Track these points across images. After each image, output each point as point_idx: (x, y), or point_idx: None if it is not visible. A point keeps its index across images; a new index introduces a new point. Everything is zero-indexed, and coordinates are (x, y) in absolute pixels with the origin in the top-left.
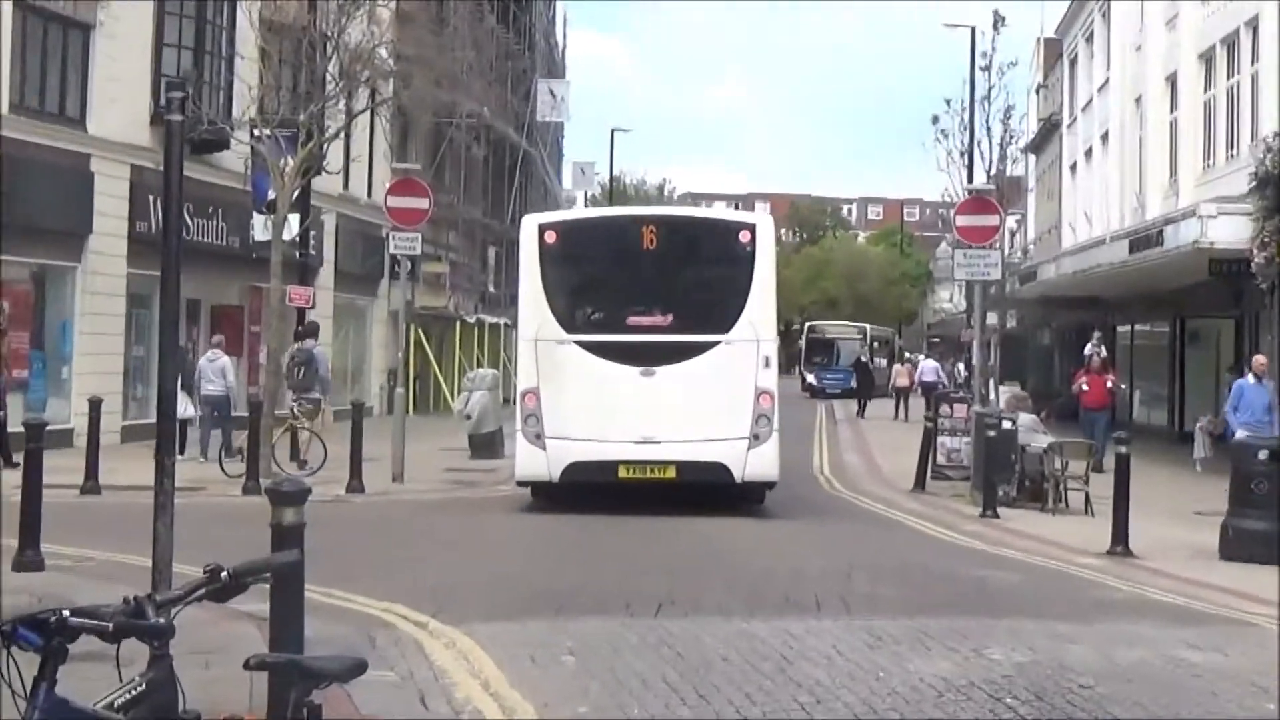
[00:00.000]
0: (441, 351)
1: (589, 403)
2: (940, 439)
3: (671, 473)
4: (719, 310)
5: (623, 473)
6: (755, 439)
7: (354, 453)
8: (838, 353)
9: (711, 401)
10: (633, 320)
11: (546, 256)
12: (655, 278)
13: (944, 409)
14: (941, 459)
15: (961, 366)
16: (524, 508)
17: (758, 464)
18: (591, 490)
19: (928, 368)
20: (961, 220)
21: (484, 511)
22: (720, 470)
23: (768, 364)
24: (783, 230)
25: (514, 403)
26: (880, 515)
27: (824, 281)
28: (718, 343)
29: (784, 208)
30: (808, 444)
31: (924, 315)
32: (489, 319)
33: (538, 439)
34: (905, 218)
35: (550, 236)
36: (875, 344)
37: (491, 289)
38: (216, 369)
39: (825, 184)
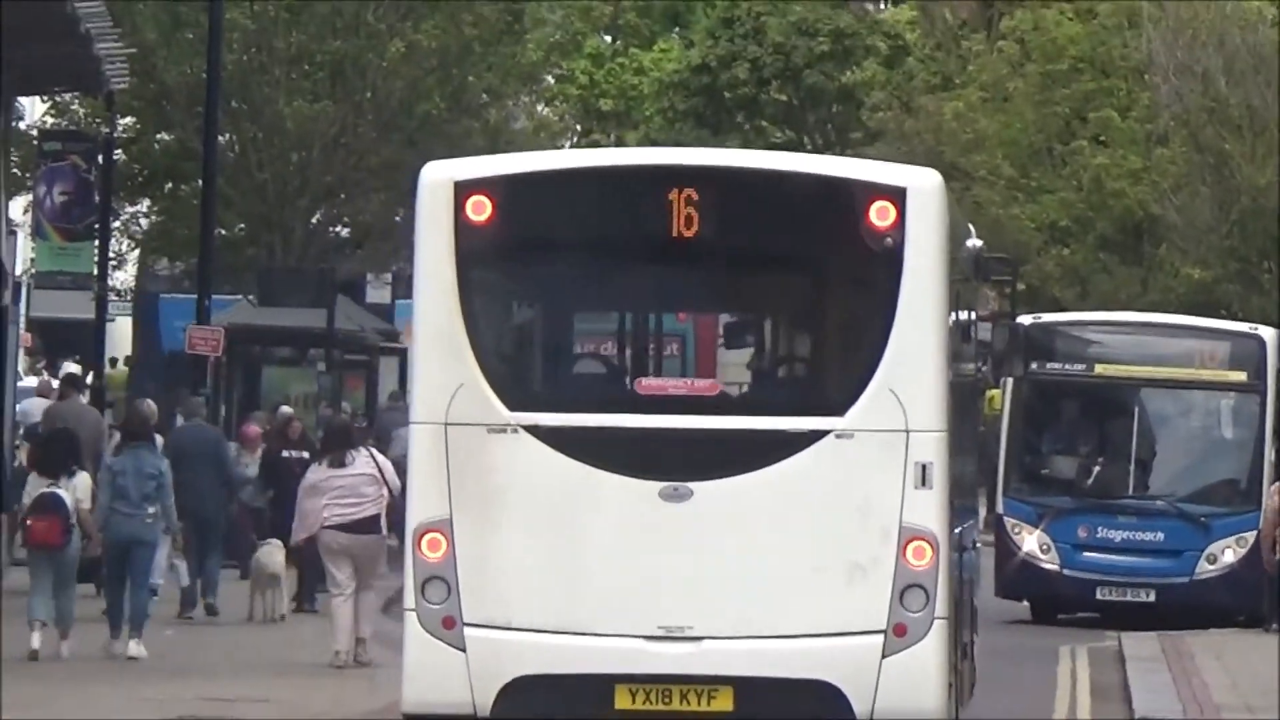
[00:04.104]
0: None
1: (555, 556)
2: None
3: (725, 701)
4: (826, 367)
5: (624, 700)
6: (899, 634)
7: None
8: (1146, 440)
9: (807, 555)
10: (648, 386)
11: (473, 250)
12: (696, 297)
13: None
14: None
15: None
16: None
17: (904, 686)
18: None
19: None
20: None
21: None
22: (825, 698)
23: (926, 479)
24: None
25: None
26: None
27: (1098, 152)
28: (822, 434)
29: None
30: None
31: None
32: None
33: (449, 628)
34: None
35: (480, 208)
36: None
37: None
38: None
39: None
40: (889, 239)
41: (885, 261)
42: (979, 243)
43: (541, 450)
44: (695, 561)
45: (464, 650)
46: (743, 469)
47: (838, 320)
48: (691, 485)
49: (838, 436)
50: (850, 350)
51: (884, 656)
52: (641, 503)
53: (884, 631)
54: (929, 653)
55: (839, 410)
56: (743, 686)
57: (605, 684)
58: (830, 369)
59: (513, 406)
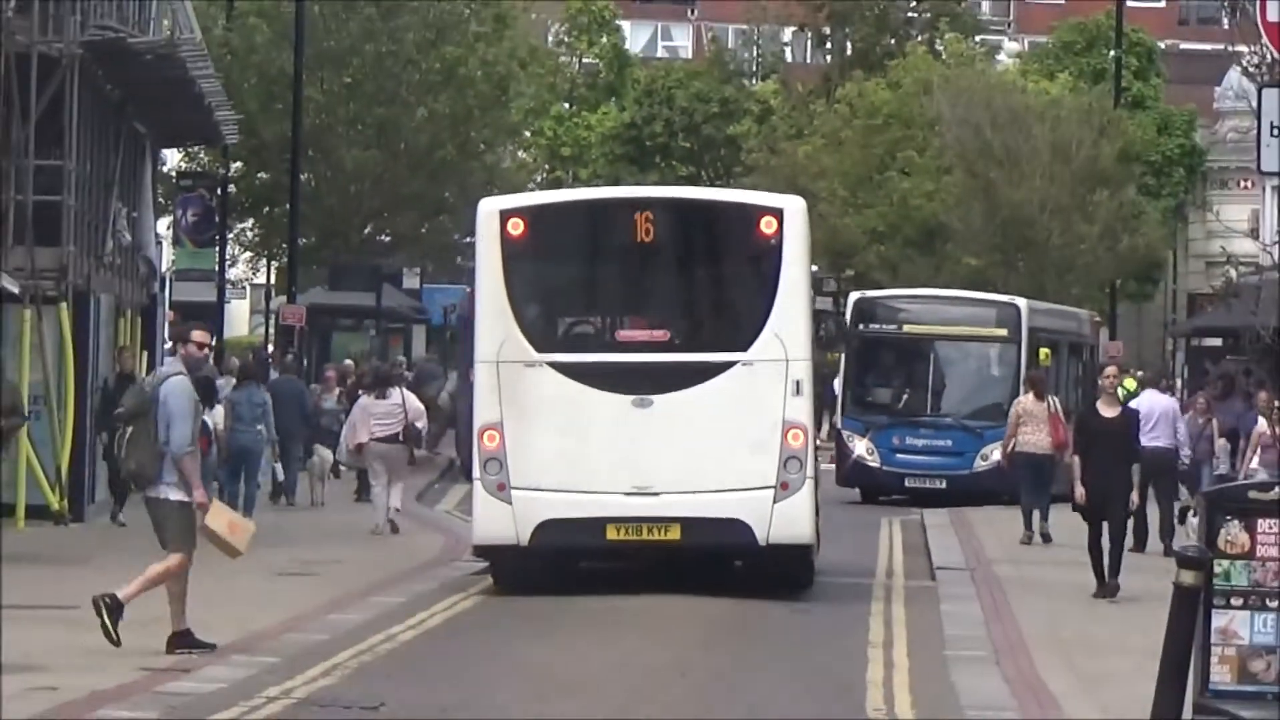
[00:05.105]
0: None
1: (567, 442)
2: (1223, 618)
3: (675, 533)
4: (735, 321)
5: (612, 533)
6: (783, 488)
7: None
8: (938, 376)
9: (726, 439)
10: (624, 335)
11: (512, 253)
12: (652, 279)
13: (1231, 529)
14: (1223, 673)
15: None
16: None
17: (787, 521)
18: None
19: (1158, 409)
20: None
21: None
22: (738, 529)
23: (799, 390)
24: (789, 43)
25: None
26: None
27: (904, 179)
28: (733, 363)
29: None
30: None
31: (1178, 274)
32: None
33: (501, 490)
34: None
35: (516, 226)
36: (1042, 350)
37: None
38: None
39: None
40: (773, 240)
41: (771, 254)
42: (815, 267)
43: (557, 377)
44: (655, 444)
45: (511, 505)
46: (685, 386)
47: (742, 291)
48: (652, 397)
49: (743, 365)
50: (750, 310)
51: (774, 503)
52: (621, 409)
53: (774, 487)
54: (803, 499)
55: (744, 348)
56: (686, 523)
57: (599, 523)
58: (738, 322)
59: (539, 349)
